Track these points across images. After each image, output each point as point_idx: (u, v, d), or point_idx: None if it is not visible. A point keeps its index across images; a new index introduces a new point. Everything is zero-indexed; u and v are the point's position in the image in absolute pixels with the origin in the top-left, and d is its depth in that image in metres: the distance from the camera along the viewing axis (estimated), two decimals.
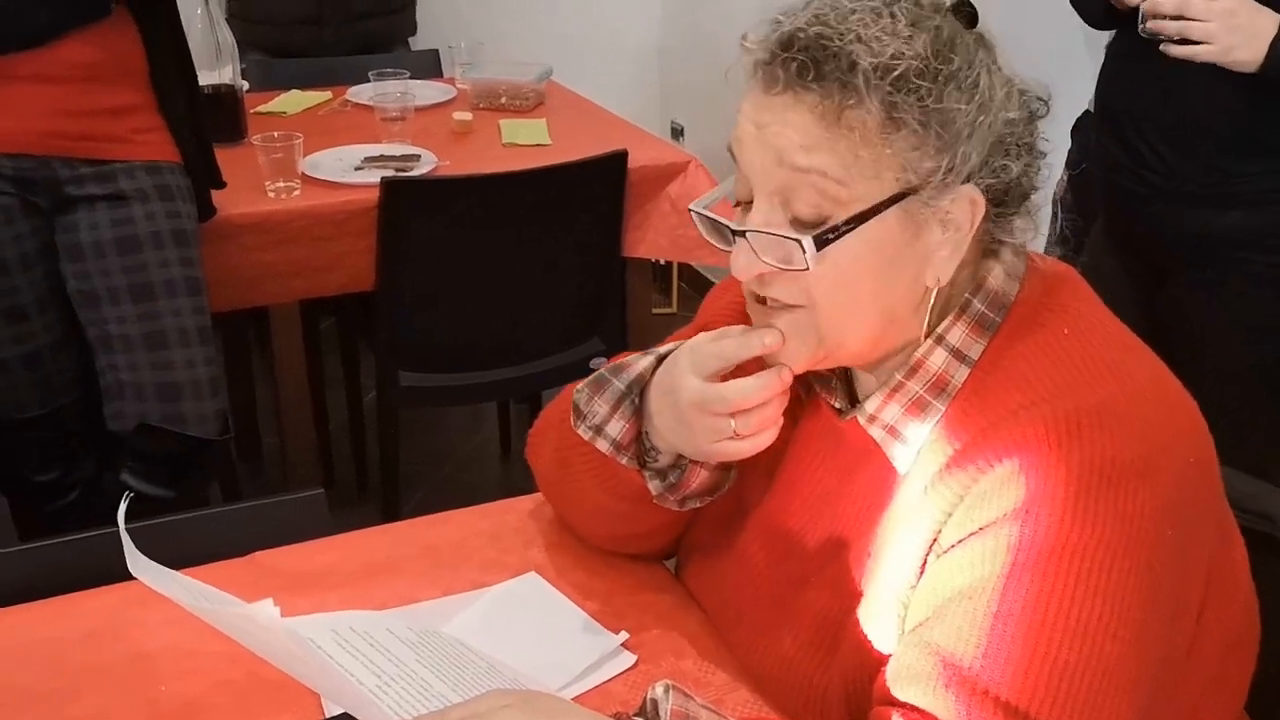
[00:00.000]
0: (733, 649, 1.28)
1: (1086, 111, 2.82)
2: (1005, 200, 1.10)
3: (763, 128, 1.07)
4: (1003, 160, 1.08)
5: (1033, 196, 1.13)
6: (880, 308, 1.10)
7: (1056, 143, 1.16)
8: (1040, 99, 1.13)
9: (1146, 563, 1.00)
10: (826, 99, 1.03)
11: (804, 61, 1.03)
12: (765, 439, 1.19)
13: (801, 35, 1.04)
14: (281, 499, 1.61)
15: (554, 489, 1.44)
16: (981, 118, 1.06)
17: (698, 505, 1.31)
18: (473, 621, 1.32)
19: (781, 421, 1.19)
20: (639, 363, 1.26)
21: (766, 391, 1.15)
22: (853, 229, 1.05)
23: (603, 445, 1.27)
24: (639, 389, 1.26)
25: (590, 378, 1.28)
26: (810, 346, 1.12)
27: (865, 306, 1.10)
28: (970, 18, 1.11)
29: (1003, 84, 1.09)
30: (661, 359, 1.26)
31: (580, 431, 1.28)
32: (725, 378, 1.18)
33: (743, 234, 1.09)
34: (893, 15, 1.05)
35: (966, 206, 1.07)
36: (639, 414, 1.26)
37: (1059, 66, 1.14)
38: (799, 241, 1.05)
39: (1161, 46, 1.98)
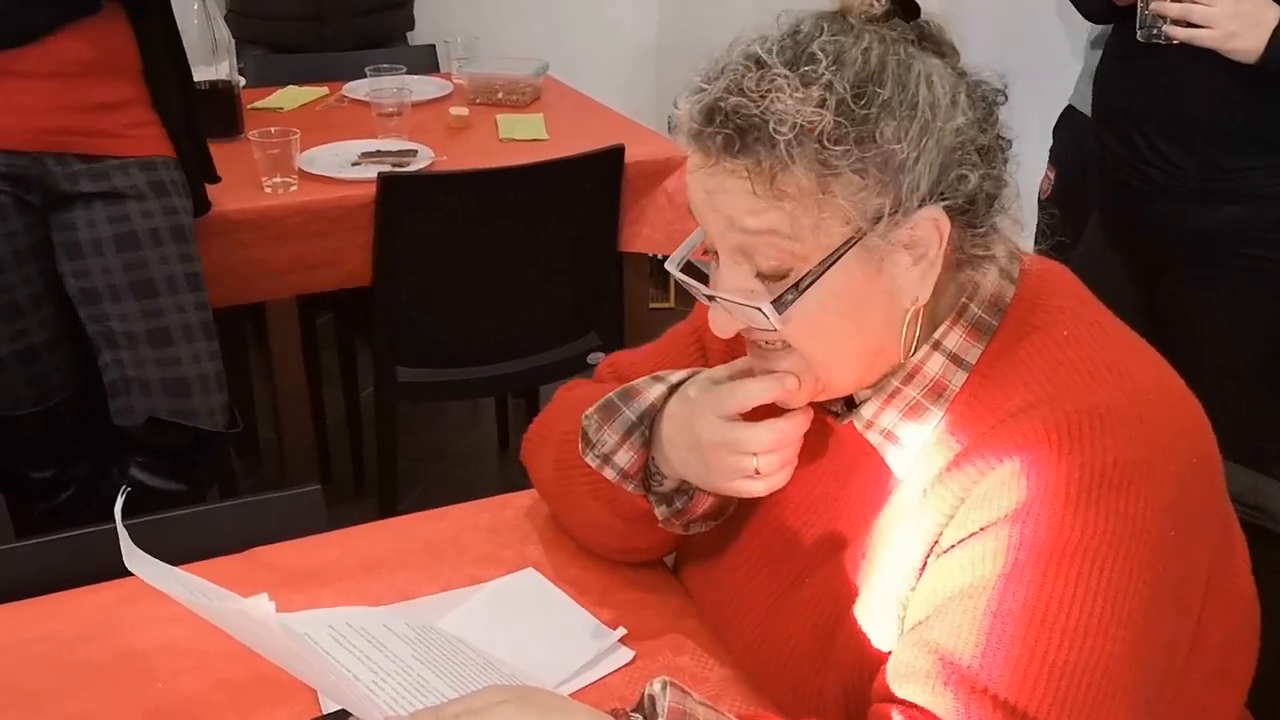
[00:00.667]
0: (730, 647, 1.28)
1: (1069, 107, 2.83)
2: (971, 209, 1.08)
3: (710, 194, 1.07)
4: (958, 171, 1.05)
5: (1003, 194, 1.10)
6: (863, 342, 1.11)
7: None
8: (996, 88, 1.11)
9: (1148, 563, 0.99)
10: (756, 169, 1.02)
11: (728, 134, 1.02)
12: (782, 479, 1.20)
13: (722, 105, 1.03)
14: (278, 495, 1.61)
15: (554, 499, 1.44)
16: (925, 139, 1.03)
17: (702, 529, 1.31)
18: (470, 617, 1.32)
19: (797, 461, 1.21)
20: (649, 391, 1.26)
21: (795, 432, 1.17)
22: (811, 284, 1.05)
23: (610, 474, 1.27)
24: (650, 419, 1.25)
25: (599, 403, 1.27)
26: (809, 383, 1.13)
27: (848, 346, 1.11)
28: (908, 8, 1.08)
29: (948, 89, 1.06)
30: (673, 388, 1.25)
31: (588, 459, 1.27)
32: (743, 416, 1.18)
33: (714, 299, 1.10)
34: (812, 59, 1.02)
35: (930, 227, 1.06)
36: (648, 445, 1.26)
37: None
38: (760, 309, 1.06)
39: (1163, 27, 1.98)
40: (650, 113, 4.78)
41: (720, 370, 1.23)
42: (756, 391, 1.16)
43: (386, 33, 3.97)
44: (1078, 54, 2.94)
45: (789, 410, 1.17)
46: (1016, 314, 1.13)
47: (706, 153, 1.05)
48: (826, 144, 1.00)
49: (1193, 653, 1.08)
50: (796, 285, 1.05)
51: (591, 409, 1.27)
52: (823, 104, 1.00)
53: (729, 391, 1.18)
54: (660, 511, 1.28)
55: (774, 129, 1.00)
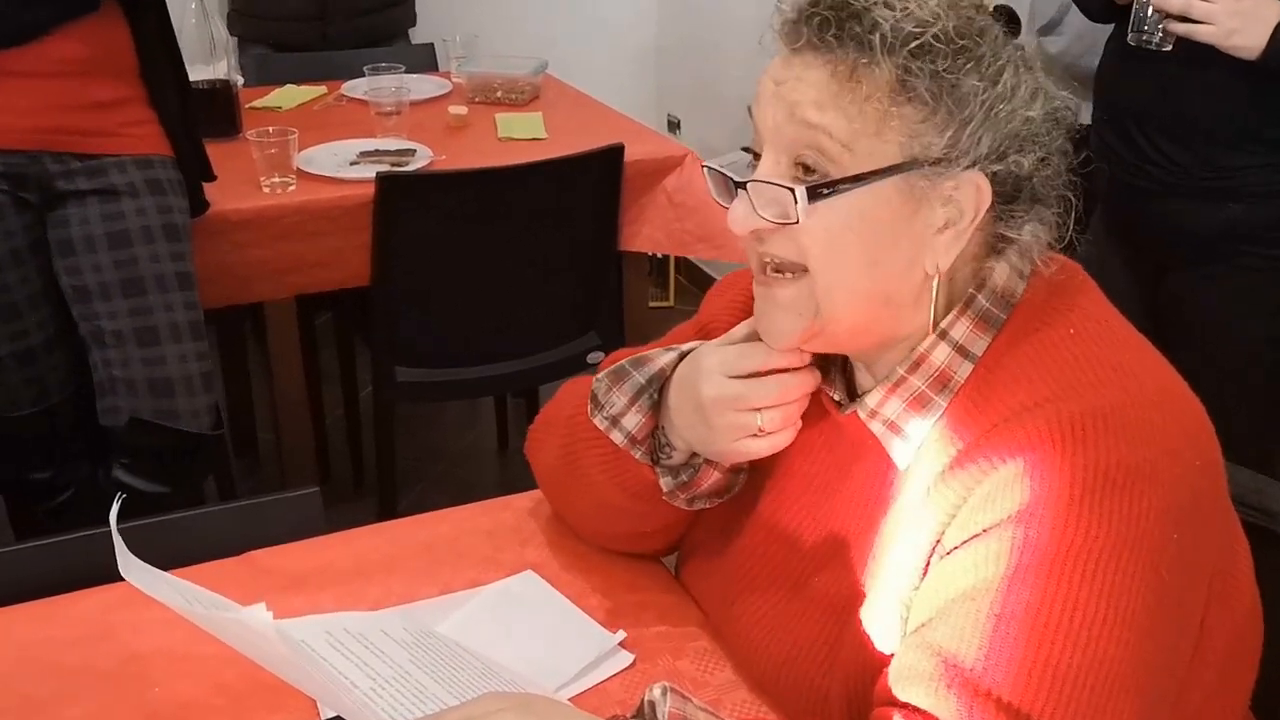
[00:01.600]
0: (733, 650, 1.28)
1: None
2: (1015, 197, 1.09)
3: (780, 84, 1.08)
4: (1015, 154, 1.07)
5: (1050, 199, 1.11)
6: (874, 282, 1.10)
7: None
8: (1067, 108, 1.13)
9: (1151, 565, 0.99)
10: (843, 57, 1.04)
11: (826, 18, 1.05)
12: (785, 438, 1.20)
13: None
14: (276, 497, 1.60)
15: (557, 485, 1.43)
16: (999, 106, 1.06)
17: (705, 506, 1.31)
18: (468, 620, 1.32)
19: (800, 423, 1.20)
20: (660, 357, 1.27)
21: (800, 389, 1.19)
22: (850, 188, 1.06)
23: (617, 437, 1.27)
24: (659, 384, 1.26)
25: (610, 368, 1.28)
26: (806, 318, 1.12)
27: (859, 279, 1.09)
28: (1010, 19, 1.11)
29: (1030, 85, 1.09)
30: (684, 355, 1.26)
31: (596, 421, 1.28)
32: None
33: (744, 185, 1.10)
34: None
35: (971, 192, 1.07)
36: (656, 409, 1.27)
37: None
38: (792, 191, 1.06)
39: (1163, 23, 1.98)
40: (650, 111, 4.79)
41: (731, 333, 1.24)
42: (762, 351, 1.18)
43: (389, 30, 3.98)
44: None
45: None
46: (1026, 309, 1.12)
47: (795, 37, 1.07)
48: (917, 57, 1.03)
49: (1196, 655, 1.08)
50: (834, 183, 1.06)
51: (603, 373, 1.29)
52: (928, 21, 1.04)
53: (738, 352, 1.20)
54: (665, 483, 1.28)
55: (878, 19, 1.03)
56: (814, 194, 1.06)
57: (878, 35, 1.03)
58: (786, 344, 1.16)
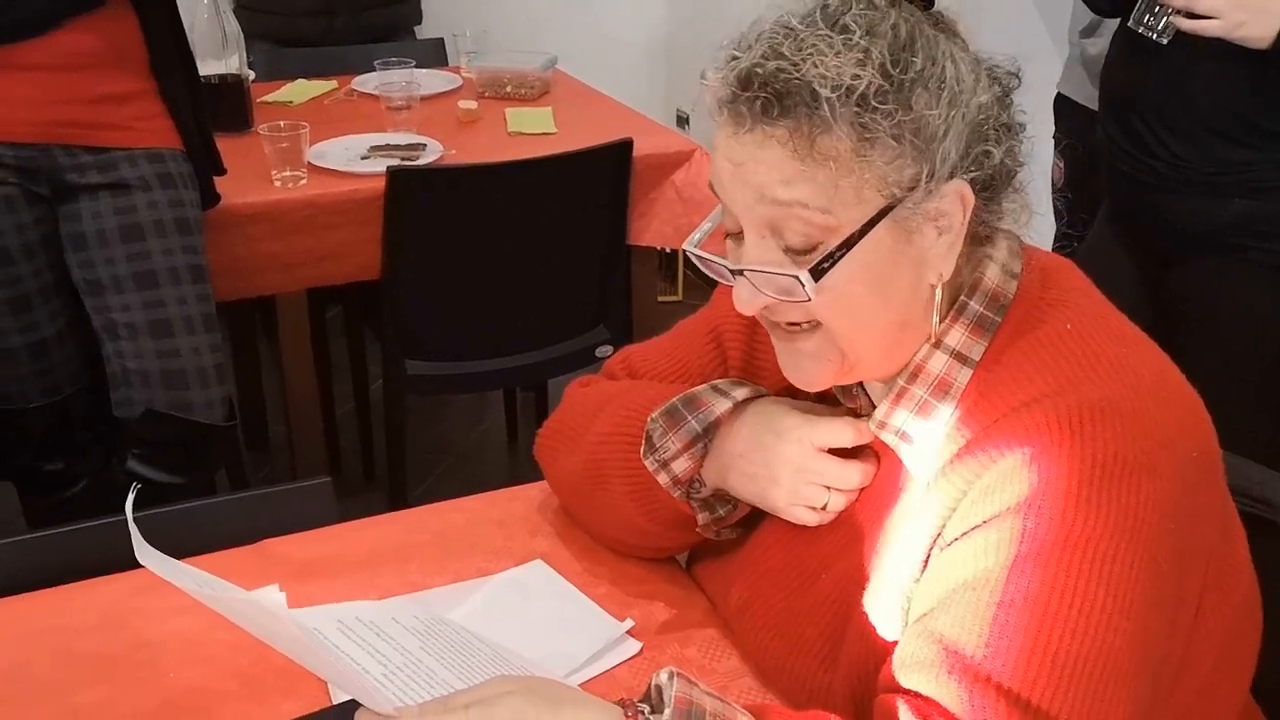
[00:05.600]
0: (741, 642, 1.29)
1: (1061, 95, 2.84)
2: (993, 184, 1.10)
3: (739, 165, 1.06)
4: (983, 147, 1.07)
5: (1019, 174, 1.12)
6: (890, 316, 1.11)
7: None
8: (1010, 73, 1.12)
9: (1149, 555, 1.00)
10: (796, 132, 1.02)
11: (767, 98, 1.02)
12: (829, 518, 1.22)
13: (760, 70, 1.03)
14: (288, 487, 1.61)
15: (577, 497, 1.44)
16: (953, 112, 1.05)
17: (732, 536, 1.33)
18: (478, 608, 1.33)
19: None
20: (716, 405, 1.26)
21: (869, 479, 1.20)
22: (845, 253, 1.05)
23: (664, 479, 1.28)
24: (714, 432, 1.27)
25: (664, 408, 1.28)
26: (834, 363, 1.13)
27: (875, 319, 1.10)
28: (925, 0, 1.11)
29: (970, 68, 1.08)
30: (738, 404, 1.26)
31: (647, 463, 1.28)
32: None
33: (740, 273, 1.10)
34: (845, 29, 1.03)
35: (956, 201, 1.07)
36: (705, 456, 1.28)
37: (1013, 49, 1.13)
38: (796, 277, 1.06)
39: (1171, 18, 1.98)
40: (659, 106, 4.79)
41: (806, 404, 1.25)
42: (852, 434, 1.19)
43: (394, 25, 3.99)
44: (1057, 38, 2.95)
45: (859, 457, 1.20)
46: (1020, 309, 1.13)
47: (739, 121, 1.05)
48: (867, 106, 1.01)
49: (1193, 643, 1.09)
50: (831, 255, 1.05)
51: (657, 413, 1.28)
52: (863, 65, 1.01)
53: (830, 427, 1.20)
54: (702, 518, 1.30)
55: (816, 88, 1.01)
56: (816, 272, 1.06)
57: (823, 102, 1.01)
58: (820, 388, 1.17)
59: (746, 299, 1.10)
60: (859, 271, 1.06)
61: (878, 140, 1.02)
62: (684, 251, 1.20)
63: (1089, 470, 1.00)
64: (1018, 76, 1.12)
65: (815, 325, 1.11)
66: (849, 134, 1.02)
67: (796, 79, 1.02)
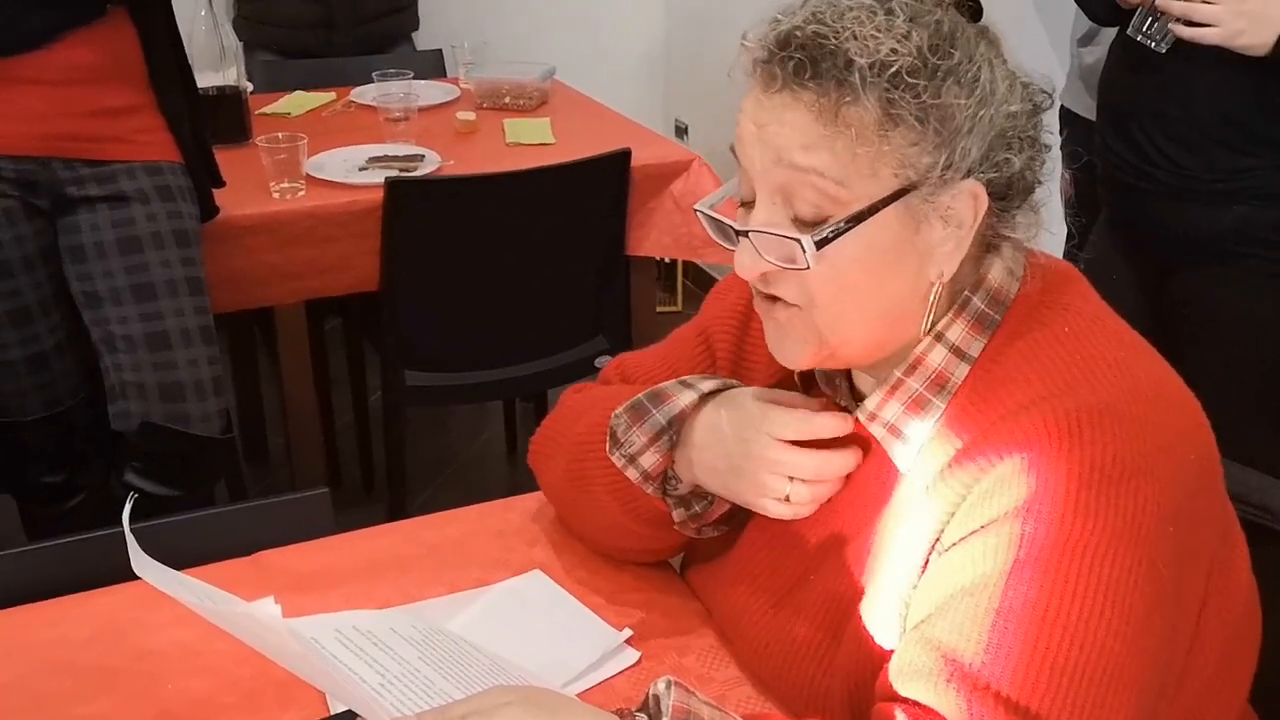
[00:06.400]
0: (737, 650, 1.29)
1: (1063, 109, 2.83)
2: (1008, 194, 1.10)
3: (762, 127, 1.07)
4: (1005, 154, 1.08)
5: (1036, 191, 1.12)
6: (884, 303, 1.11)
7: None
8: (1044, 92, 1.13)
9: (1149, 559, 1.00)
10: (823, 97, 1.03)
11: (801, 60, 1.04)
12: (806, 511, 1.21)
13: (799, 34, 1.05)
14: (286, 499, 1.61)
15: (566, 501, 1.44)
16: (982, 111, 1.06)
17: (714, 534, 1.33)
18: (476, 618, 1.33)
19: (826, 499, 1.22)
20: (680, 397, 1.26)
21: (838, 470, 1.19)
22: (852, 228, 1.05)
23: (633, 474, 1.28)
24: (679, 425, 1.26)
25: (628, 403, 1.28)
26: (812, 345, 1.13)
27: (868, 303, 1.10)
28: (974, 11, 1.11)
29: (1005, 77, 1.09)
30: (704, 396, 1.26)
31: (614, 458, 1.28)
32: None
33: (745, 234, 1.10)
34: (890, 12, 1.05)
35: (969, 201, 1.07)
36: (673, 449, 1.27)
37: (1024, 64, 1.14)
38: (799, 241, 1.06)
39: (1170, 26, 1.98)
40: (657, 116, 4.80)
41: (770, 392, 1.24)
42: (822, 424, 1.19)
43: (393, 35, 3.99)
44: (1060, 50, 2.95)
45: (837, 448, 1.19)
46: (1021, 309, 1.13)
47: (771, 81, 1.06)
48: (897, 84, 1.02)
49: (1193, 649, 1.08)
50: (838, 228, 1.06)
51: (621, 409, 1.29)
52: (901, 45, 1.03)
53: (792, 419, 1.20)
54: (678, 515, 1.30)
55: (852, 56, 1.02)
56: (820, 241, 1.06)
57: (855, 71, 1.02)
58: (801, 367, 1.17)
59: (747, 263, 1.11)
60: (862, 252, 1.07)
61: (902, 120, 1.03)
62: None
63: (1087, 474, 1.00)
64: (1050, 96, 1.13)
65: (808, 305, 1.11)
66: (875, 107, 1.03)
67: (834, 45, 1.03)
